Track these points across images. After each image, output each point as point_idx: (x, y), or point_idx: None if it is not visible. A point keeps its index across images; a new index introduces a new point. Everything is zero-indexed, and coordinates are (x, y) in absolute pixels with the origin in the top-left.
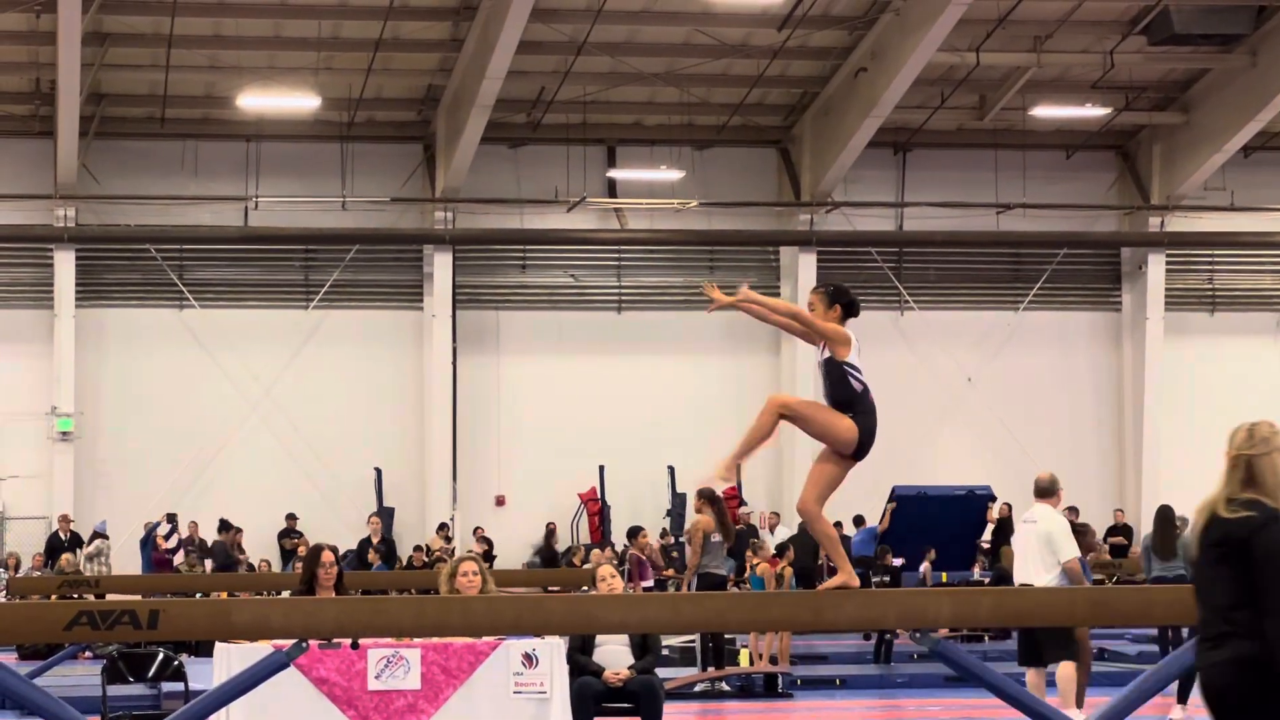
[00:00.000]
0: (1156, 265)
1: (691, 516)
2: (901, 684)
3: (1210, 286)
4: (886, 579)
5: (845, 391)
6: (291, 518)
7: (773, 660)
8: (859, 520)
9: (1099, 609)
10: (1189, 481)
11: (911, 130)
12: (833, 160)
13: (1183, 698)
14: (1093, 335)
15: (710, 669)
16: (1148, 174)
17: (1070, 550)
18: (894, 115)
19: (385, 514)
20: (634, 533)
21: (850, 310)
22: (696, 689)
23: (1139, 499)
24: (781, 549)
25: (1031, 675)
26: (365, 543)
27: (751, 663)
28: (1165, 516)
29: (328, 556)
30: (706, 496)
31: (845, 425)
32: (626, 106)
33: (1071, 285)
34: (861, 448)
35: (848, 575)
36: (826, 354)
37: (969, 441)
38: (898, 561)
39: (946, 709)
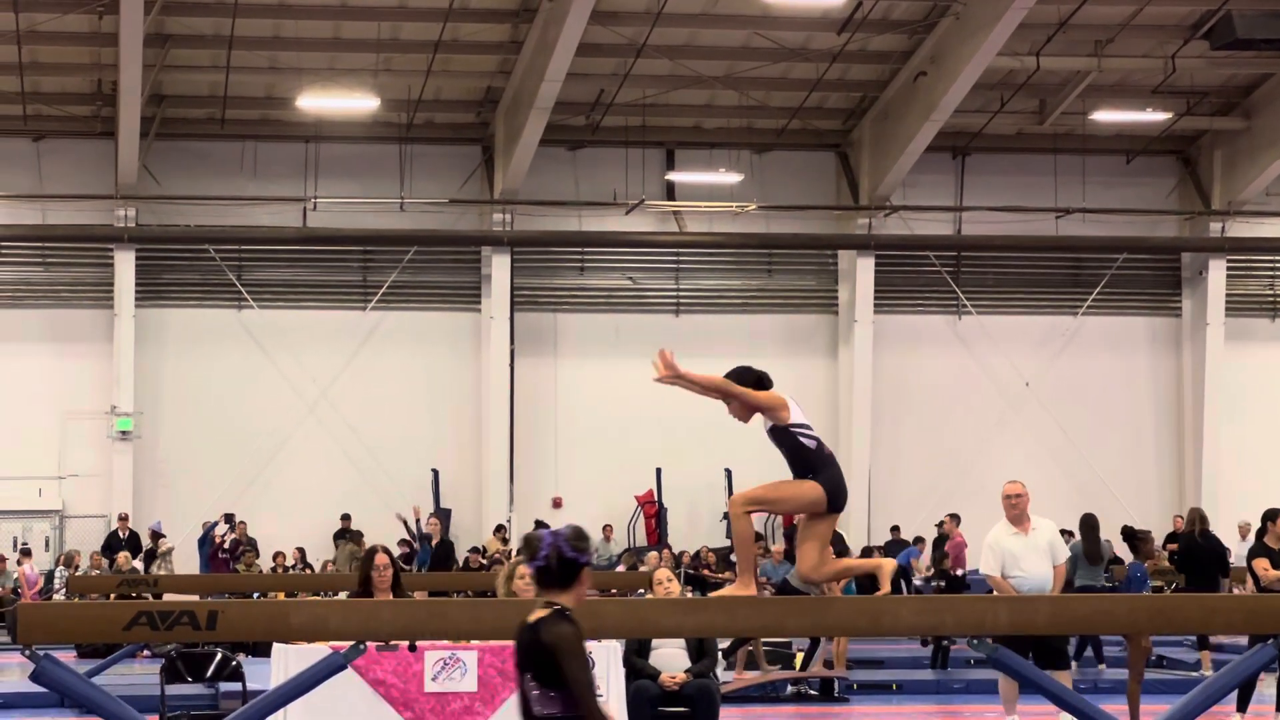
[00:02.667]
0: (1217, 271)
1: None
2: (958, 690)
3: (1272, 292)
4: (943, 584)
5: (802, 454)
6: (346, 518)
7: (829, 665)
8: (918, 540)
9: (1159, 617)
10: (1248, 487)
11: (971, 134)
12: (891, 164)
13: (1242, 706)
14: (1152, 341)
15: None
16: (1209, 179)
17: (982, 564)
18: (953, 119)
19: (442, 515)
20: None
21: (761, 383)
22: (753, 693)
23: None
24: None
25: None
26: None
27: (805, 667)
28: (1090, 524)
29: (382, 559)
30: None
31: (809, 491)
32: (685, 109)
33: (1131, 290)
34: (834, 502)
35: (878, 564)
36: (769, 423)
37: (1027, 446)
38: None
39: (1003, 715)
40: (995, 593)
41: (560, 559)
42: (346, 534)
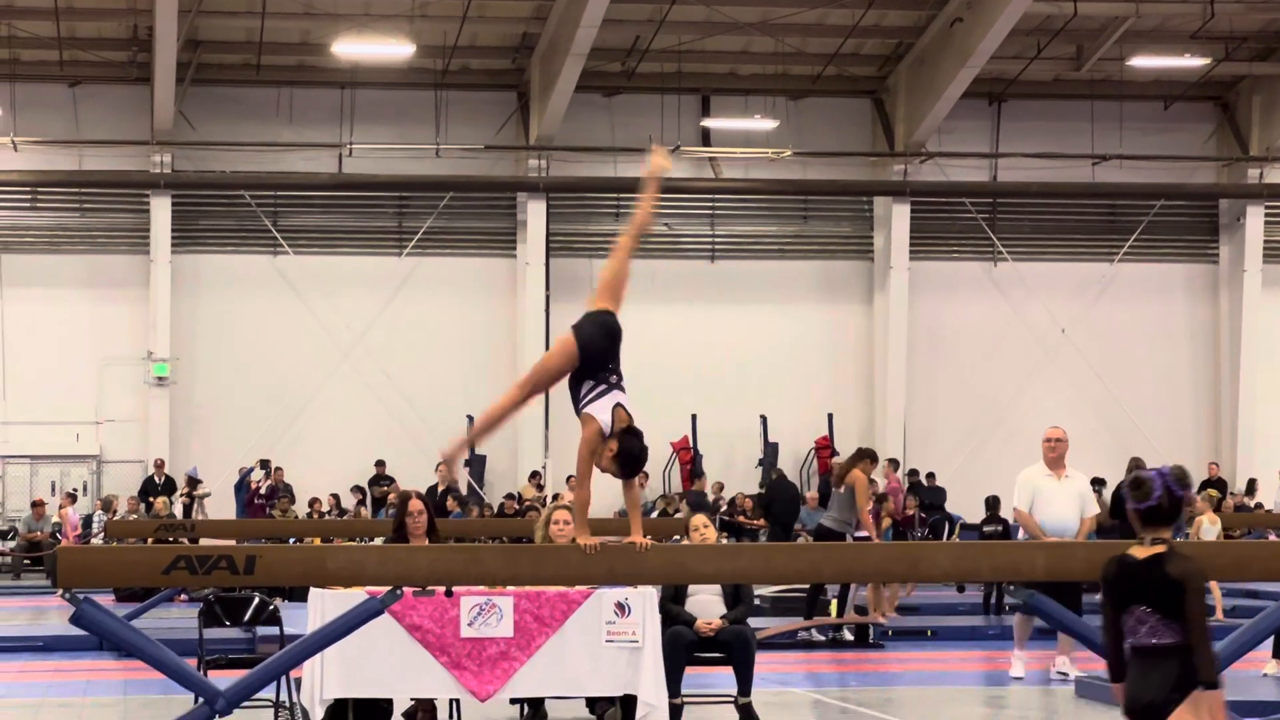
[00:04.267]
0: (1255, 217)
1: (782, 467)
2: (994, 635)
3: None
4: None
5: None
6: (381, 464)
7: (862, 611)
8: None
9: None
10: None
11: (1007, 81)
12: (927, 110)
13: (1278, 652)
14: (1189, 287)
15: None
16: (1247, 125)
17: (1015, 498)
18: (989, 65)
19: (477, 461)
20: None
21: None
22: (788, 638)
23: (1234, 452)
24: (880, 499)
25: None
26: (447, 491)
27: (840, 613)
28: None
29: (415, 505)
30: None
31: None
32: (721, 56)
33: (1168, 237)
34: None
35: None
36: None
37: (1062, 393)
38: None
39: (1039, 660)
40: (1021, 530)
41: (1171, 498)
42: (382, 480)
